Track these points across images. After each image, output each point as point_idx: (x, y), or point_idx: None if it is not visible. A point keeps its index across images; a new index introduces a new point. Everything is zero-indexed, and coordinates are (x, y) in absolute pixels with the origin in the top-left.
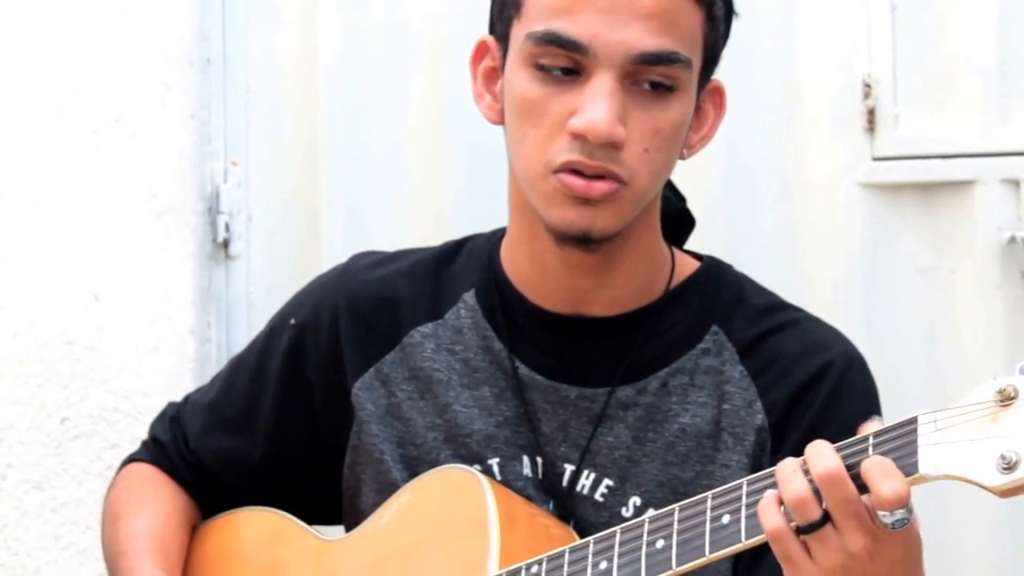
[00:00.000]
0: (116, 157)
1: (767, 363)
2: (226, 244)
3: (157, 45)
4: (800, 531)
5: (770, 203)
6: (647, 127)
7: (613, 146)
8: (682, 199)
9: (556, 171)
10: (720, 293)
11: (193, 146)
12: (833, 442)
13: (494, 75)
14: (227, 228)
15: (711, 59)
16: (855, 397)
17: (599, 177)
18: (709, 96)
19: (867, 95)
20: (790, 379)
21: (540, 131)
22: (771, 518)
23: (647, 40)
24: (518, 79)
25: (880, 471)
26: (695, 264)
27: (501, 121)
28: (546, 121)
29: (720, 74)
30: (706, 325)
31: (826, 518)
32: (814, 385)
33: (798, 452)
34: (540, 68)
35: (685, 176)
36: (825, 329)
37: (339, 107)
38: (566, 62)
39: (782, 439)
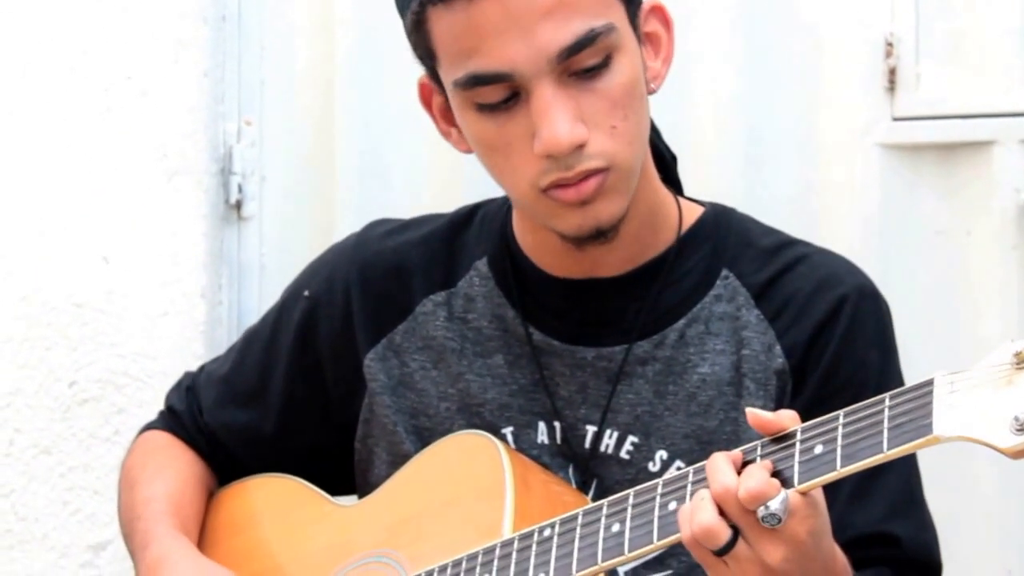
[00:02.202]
0: (127, 116)
1: (782, 305)
2: (239, 205)
3: (171, 1)
4: (718, 554)
5: (788, 163)
6: (603, 106)
7: (581, 146)
8: (656, 132)
9: (544, 190)
10: (727, 237)
11: (206, 105)
12: (849, 384)
13: (450, 110)
14: (240, 189)
15: None
16: (867, 332)
17: (584, 178)
18: (652, 19)
19: (888, 54)
20: (806, 320)
21: (512, 160)
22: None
23: (560, 35)
24: (467, 122)
25: (745, 474)
26: (699, 210)
27: (472, 151)
28: (512, 151)
29: (739, 30)
30: (716, 270)
31: (736, 535)
32: (829, 324)
33: (817, 393)
34: (481, 108)
35: (702, 135)
36: (836, 261)
37: (355, 66)
38: (501, 94)
39: (802, 382)
